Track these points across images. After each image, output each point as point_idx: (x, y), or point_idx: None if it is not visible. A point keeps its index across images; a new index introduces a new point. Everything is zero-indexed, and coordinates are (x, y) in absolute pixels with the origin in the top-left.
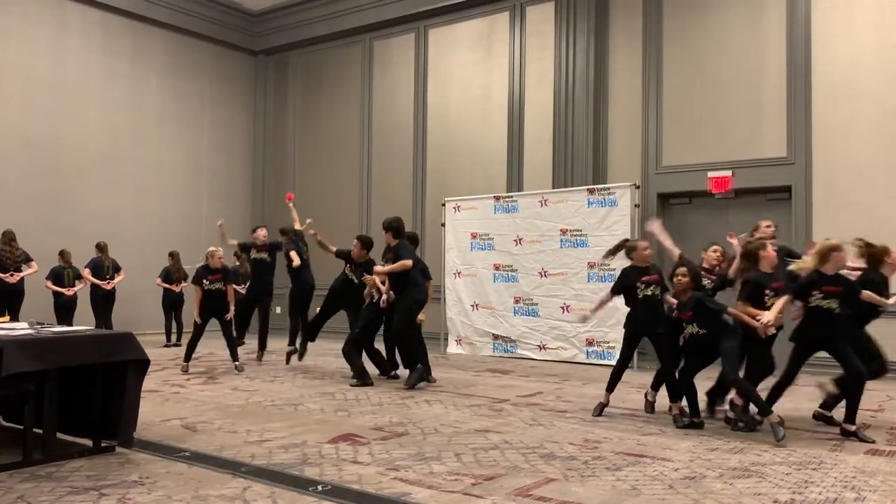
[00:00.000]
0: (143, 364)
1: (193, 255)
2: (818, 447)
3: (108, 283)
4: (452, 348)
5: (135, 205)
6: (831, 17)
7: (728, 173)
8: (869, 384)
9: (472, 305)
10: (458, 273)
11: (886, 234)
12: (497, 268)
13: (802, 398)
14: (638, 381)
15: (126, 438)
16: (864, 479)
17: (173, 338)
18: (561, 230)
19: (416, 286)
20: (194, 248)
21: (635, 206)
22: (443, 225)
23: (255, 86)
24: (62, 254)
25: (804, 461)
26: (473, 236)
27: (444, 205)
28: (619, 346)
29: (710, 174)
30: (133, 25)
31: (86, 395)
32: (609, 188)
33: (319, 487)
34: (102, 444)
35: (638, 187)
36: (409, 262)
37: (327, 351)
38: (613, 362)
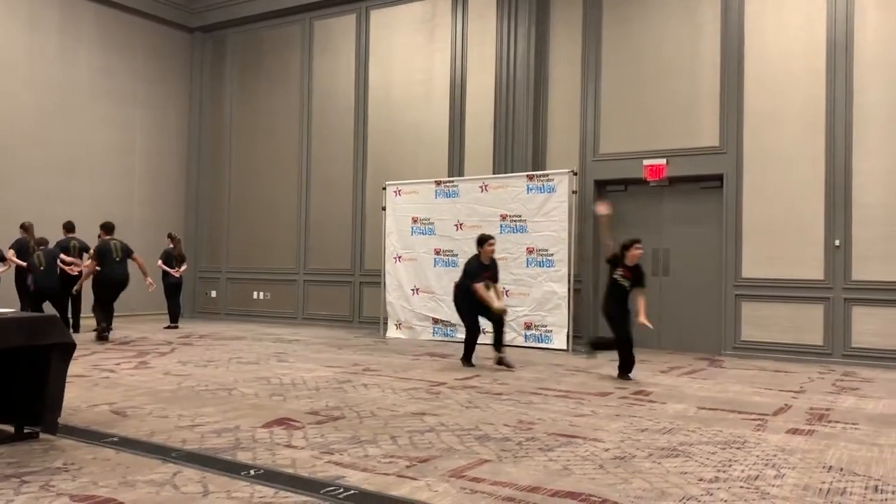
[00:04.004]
0: (68, 348)
1: (126, 235)
2: (742, 427)
3: (28, 264)
4: (392, 332)
5: (65, 184)
6: (763, 13)
7: (663, 161)
8: (790, 367)
9: (413, 290)
10: (399, 257)
11: (810, 221)
12: (437, 252)
13: (729, 380)
14: (573, 363)
15: (50, 424)
16: (783, 457)
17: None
18: (501, 216)
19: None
20: (127, 228)
21: (573, 192)
22: (383, 209)
23: (190, 64)
24: None
25: (729, 441)
26: (414, 221)
27: (384, 188)
28: (556, 329)
29: (646, 162)
30: None
31: (8, 379)
32: (548, 174)
33: (252, 472)
34: (25, 431)
35: (576, 174)
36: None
37: (263, 336)
38: (551, 346)
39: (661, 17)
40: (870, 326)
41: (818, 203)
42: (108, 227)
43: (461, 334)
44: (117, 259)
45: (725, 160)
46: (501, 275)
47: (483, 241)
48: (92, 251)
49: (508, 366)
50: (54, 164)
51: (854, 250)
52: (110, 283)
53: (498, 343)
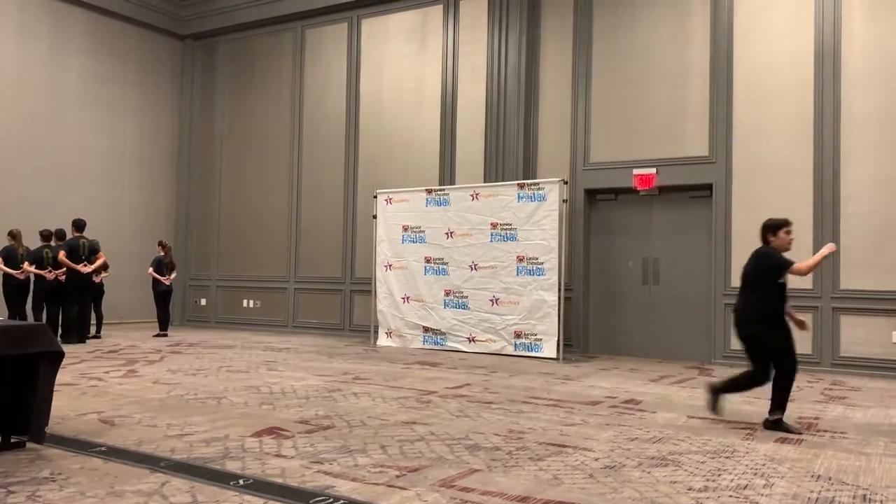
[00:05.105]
0: (56, 356)
1: (116, 242)
2: (732, 436)
3: (22, 272)
4: (382, 341)
5: (54, 191)
6: (751, 24)
7: (652, 171)
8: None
9: (403, 298)
10: (389, 265)
11: (799, 231)
12: (428, 261)
13: None
14: (563, 372)
15: (37, 433)
16: (773, 466)
17: (92, 329)
18: (491, 224)
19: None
20: (118, 235)
21: (563, 201)
22: (374, 217)
23: (181, 71)
24: None
25: (718, 450)
26: (405, 229)
27: (375, 197)
28: (546, 338)
29: (636, 171)
30: (52, 5)
31: None
32: (538, 183)
33: (241, 482)
34: (12, 440)
35: (566, 183)
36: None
37: (253, 344)
38: (541, 354)
39: (651, 27)
40: (858, 335)
41: (806, 212)
42: (78, 225)
43: (451, 342)
44: (83, 257)
45: (714, 169)
46: (491, 283)
47: (778, 226)
48: (62, 251)
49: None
50: (43, 170)
51: (842, 259)
52: (73, 282)
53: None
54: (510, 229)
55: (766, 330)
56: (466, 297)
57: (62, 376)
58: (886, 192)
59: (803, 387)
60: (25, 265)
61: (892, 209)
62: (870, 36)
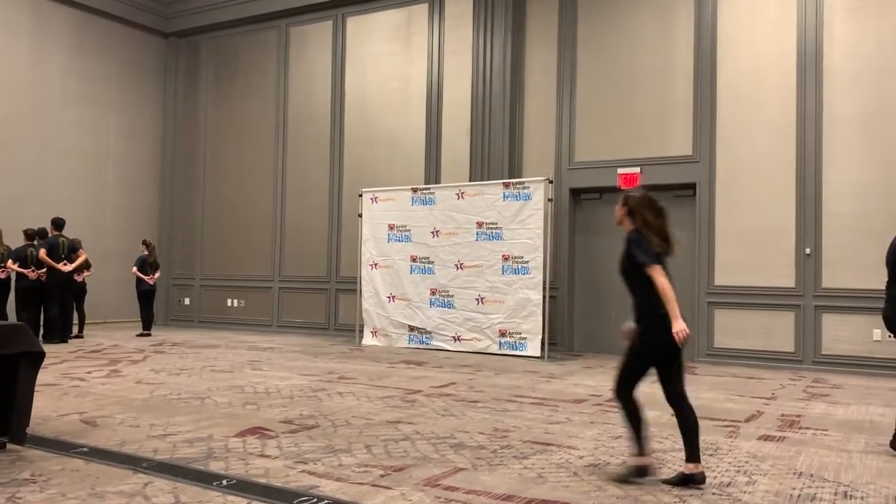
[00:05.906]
0: (37, 356)
1: (99, 241)
2: (715, 434)
3: (3, 270)
4: (368, 340)
5: (36, 190)
6: (735, 26)
7: (637, 170)
8: (762, 374)
9: (389, 297)
10: (375, 264)
11: (781, 230)
12: (414, 259)
13: (702, 387)
14: (547, 370)
15: (18, 434)
16: (755, 463)
17: (74, 329)
18: (477, 223)
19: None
20: (101, 234)
21: (548, 200)
22: (360, 216)
23: (165, 69)
24: None
25: (702, 447)
26: (391, 228)
27: (361, 196)
28: (530, 337)
29: (620, 170)
30: (35, 2)
31: None
32: (524, 182)
33: (224, 482)
34: None
35: (551, 182)
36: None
37: (237, 343)
38: (525, 353)
39: (636, 28)
40: (840, 333)
41: (789, 212)
42: (57, 224)
43: (436, 341)
44: (62, 256)
45: (698, 169)
46: (477, 282)
47: None
48: (42, 250)
49: None
50: (25, 168)
51: (824, 258)
52: (55, 282)
53: None
54: (495, 228)
55: None
56: (452, 295)
57: (44, 376)
58: (867, 192)
59: (786, 384)
60: (9, 263)
61: (873, 208)
62: (851, 38)
